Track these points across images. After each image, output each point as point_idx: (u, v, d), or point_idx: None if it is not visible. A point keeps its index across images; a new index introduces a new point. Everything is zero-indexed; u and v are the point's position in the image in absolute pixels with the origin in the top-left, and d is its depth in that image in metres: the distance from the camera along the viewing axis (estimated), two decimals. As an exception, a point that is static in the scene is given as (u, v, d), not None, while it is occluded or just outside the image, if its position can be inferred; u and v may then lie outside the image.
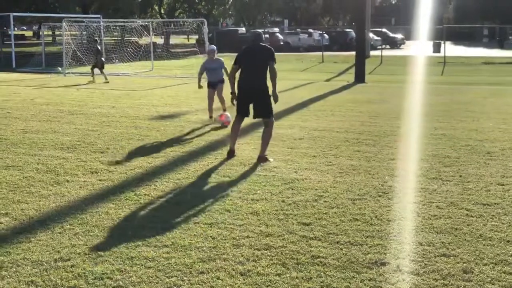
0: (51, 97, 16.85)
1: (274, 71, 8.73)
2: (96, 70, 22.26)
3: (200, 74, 12.73)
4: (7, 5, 39.20)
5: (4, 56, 33.05)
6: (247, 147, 9.53)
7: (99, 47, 23.12)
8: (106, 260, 4.93)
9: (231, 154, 8.98)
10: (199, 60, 30.64)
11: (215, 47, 12.80)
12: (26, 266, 4.81)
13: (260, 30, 9.76)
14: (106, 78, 22.21)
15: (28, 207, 6.40)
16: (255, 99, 8.87)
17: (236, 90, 9.00)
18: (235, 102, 9.05)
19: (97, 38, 26.20)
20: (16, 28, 53.40)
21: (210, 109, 12.59)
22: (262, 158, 8.67)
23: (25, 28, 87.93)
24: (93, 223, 5.90)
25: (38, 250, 5.15)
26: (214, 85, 12.53)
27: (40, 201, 6.64)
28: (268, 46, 9.02)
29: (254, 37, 9.23)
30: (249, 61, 8.88)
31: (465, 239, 5.42)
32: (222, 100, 12.58)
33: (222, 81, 12.59)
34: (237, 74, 8.92)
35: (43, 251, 5.13)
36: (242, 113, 9.04)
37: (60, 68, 22.19)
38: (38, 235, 5.52)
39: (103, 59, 22.97)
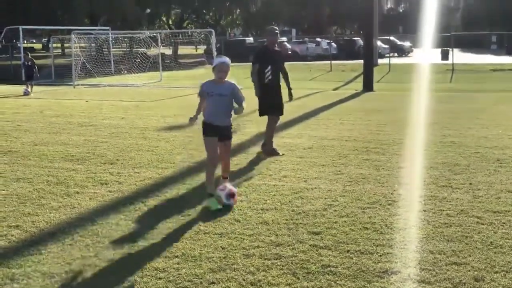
0: (60, 109, 16.94)
1: (287, 72, 9.89)
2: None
3: (201, 104, 7.19)
4: (17, 18, 39.48)
5: (13, 69, 33.24)
6: (257, 157, 9.55)
7: (25, 61, 24.25)
8: (117, 271, 4.94)
9: (274, 153, 9.69)
10: (208, 70, 30.80)
11: (227, 60, 7.00)
12: (37, 278, 4.83)
13: (275, 28, 10.18)
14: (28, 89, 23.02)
15: (38, 219, 6.42)
16: (279, 97, 9.79)
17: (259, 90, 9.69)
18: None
19: (28, 52, 27.12)
20: (25, 41, 53.68)
21: (211, 177, 7.01)
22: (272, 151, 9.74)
23: (34, 41, 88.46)
24: (103, 234, 5.92)
25: (49, 262, 5.17)
26: (217, 131, 7.03)
27: (50, 213, 6.67)
28: (279, 49, 9.99)
29: (272, 35, 9.75)
30: (273, 61, 9.64)
31: (476, 247, 5.39)
32: (227, 163, 7.42)
33: (230, 127, 7.20)
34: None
35: (54, 263, 5.15)
36: (272, 111, 9.79)
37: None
38: (48, 247, 5.55)
39: (34, 72, 24.02)
